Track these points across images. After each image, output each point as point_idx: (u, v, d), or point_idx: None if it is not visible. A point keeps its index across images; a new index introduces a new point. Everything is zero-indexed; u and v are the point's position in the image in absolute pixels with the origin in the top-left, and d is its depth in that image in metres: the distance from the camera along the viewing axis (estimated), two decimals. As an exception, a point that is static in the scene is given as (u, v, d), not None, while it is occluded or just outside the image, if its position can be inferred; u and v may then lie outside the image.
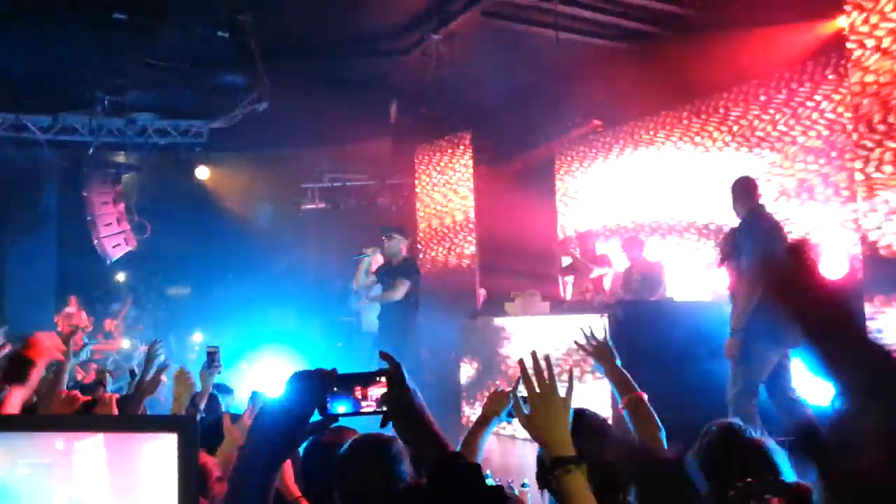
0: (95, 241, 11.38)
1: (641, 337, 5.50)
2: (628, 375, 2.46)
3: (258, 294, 10.74)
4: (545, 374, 1.65)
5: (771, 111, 6.86)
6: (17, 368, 2.24)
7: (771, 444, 2.02)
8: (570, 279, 8.52)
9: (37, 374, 2.27)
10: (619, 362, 2.52)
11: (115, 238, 11.57)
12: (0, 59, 8.30)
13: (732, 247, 5.08)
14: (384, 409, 1.42)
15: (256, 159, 11.28)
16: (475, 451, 2.27)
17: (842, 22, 5.70)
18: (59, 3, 7.19)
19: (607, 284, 7.96)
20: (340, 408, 1.43)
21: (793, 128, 6.66)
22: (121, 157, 11.19)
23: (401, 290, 6.67)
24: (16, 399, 2.19)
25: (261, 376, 7.67)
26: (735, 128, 7.21)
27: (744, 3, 6.46)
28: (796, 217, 6.49)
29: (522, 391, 1.69)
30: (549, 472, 1.56)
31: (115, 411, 2.86)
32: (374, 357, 6.62)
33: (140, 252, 11.68)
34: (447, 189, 9.75)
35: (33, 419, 2.02)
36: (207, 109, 9.98)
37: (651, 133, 8.18)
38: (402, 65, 8.51)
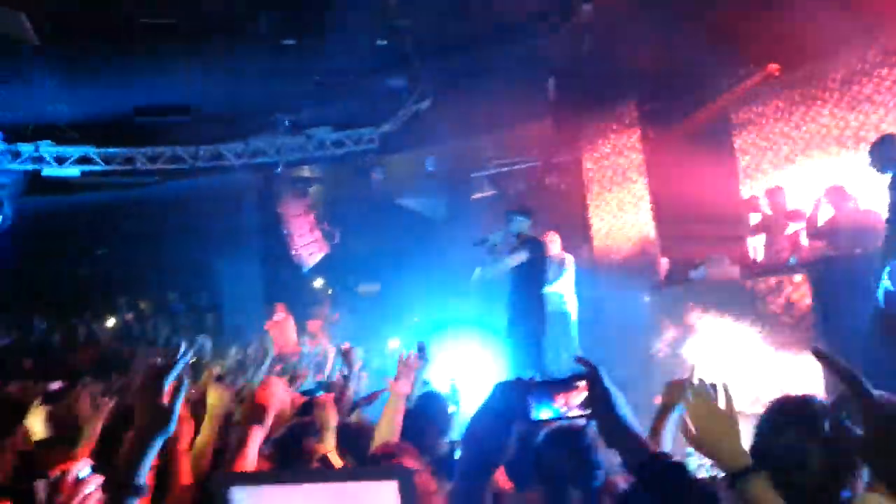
0: (293, 252, 12.37)
1: (848, 297, 5.03)
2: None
3: (439, 285, 11.07)
4: (702, 393, 1.65)
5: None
6: (257, 412, 2.45)
7: None
8: (761, 239, 7.95)
9: (270, 418, 2.47)
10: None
11: (309, 247, 12.51)
12: (192, 98, 9.25)
13: None
14: (587, 411, 1.47)
15: (426, 155, 11.61)
16: (661, 441, 2.24)
17: None
18: (229, 36, 7.82)
19: (805, 241, 7.32)
20: (544, 413, 1.49)
21: None
22: (306, 172, 12.05)
23: (508, 262, 6.43)
24: (256, 439, 2.42)
25: (448, 364, 7.91)
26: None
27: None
28: None
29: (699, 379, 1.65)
30: (731, 487, 1.55)
31: (332, 412, 3.01)
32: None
33: (331, 256, 12.52)
34: (616, 160, 9.47)
35: (274, 474, 2.24)
36: (376, 115, 10.45)
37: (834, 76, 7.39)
38: (556, 42, 8.36)
